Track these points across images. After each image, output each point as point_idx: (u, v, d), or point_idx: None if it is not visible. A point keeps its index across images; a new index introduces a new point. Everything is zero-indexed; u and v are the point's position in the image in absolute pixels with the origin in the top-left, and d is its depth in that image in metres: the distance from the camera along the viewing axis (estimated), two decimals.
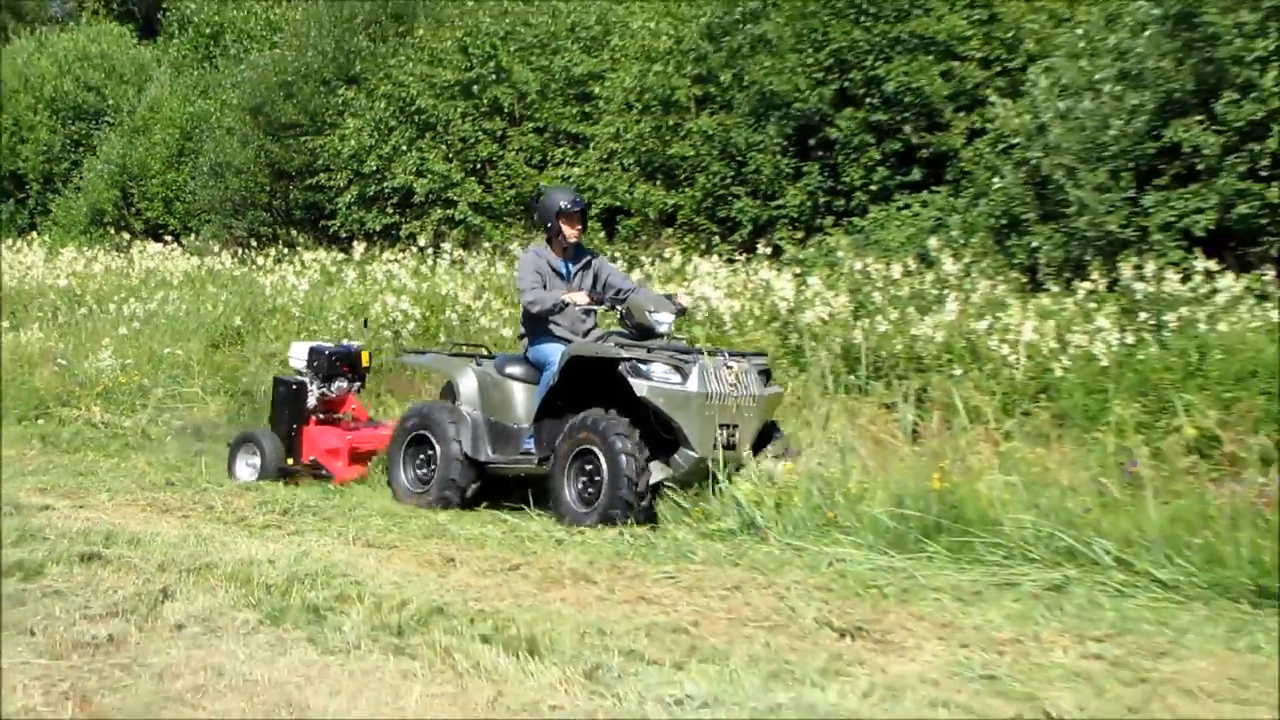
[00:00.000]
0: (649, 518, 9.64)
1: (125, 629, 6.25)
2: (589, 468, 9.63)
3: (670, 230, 17.95)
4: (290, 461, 11.53)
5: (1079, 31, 14.75)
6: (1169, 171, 13.25)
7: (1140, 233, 13.06)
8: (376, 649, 6.04)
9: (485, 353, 11.57)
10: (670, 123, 18.10)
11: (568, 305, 10.55)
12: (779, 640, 6.28)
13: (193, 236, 25.20)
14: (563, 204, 10.72)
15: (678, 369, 9.65)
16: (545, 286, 10.74)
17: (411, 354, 12.49)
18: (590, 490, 9.60)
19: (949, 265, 13.47)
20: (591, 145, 19.56)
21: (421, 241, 19.78)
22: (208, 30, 30.17)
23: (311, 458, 11.48)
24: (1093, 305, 12.20)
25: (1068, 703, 5.27)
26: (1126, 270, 12.29)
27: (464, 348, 12.05)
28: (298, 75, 23.19)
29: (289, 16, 28.05)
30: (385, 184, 21.16)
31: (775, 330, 13.27)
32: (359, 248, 20.30)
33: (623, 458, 9.36)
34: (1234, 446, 9.47)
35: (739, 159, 17.36)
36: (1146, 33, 13.53)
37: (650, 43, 18.98)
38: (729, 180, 17.50)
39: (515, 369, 10.84)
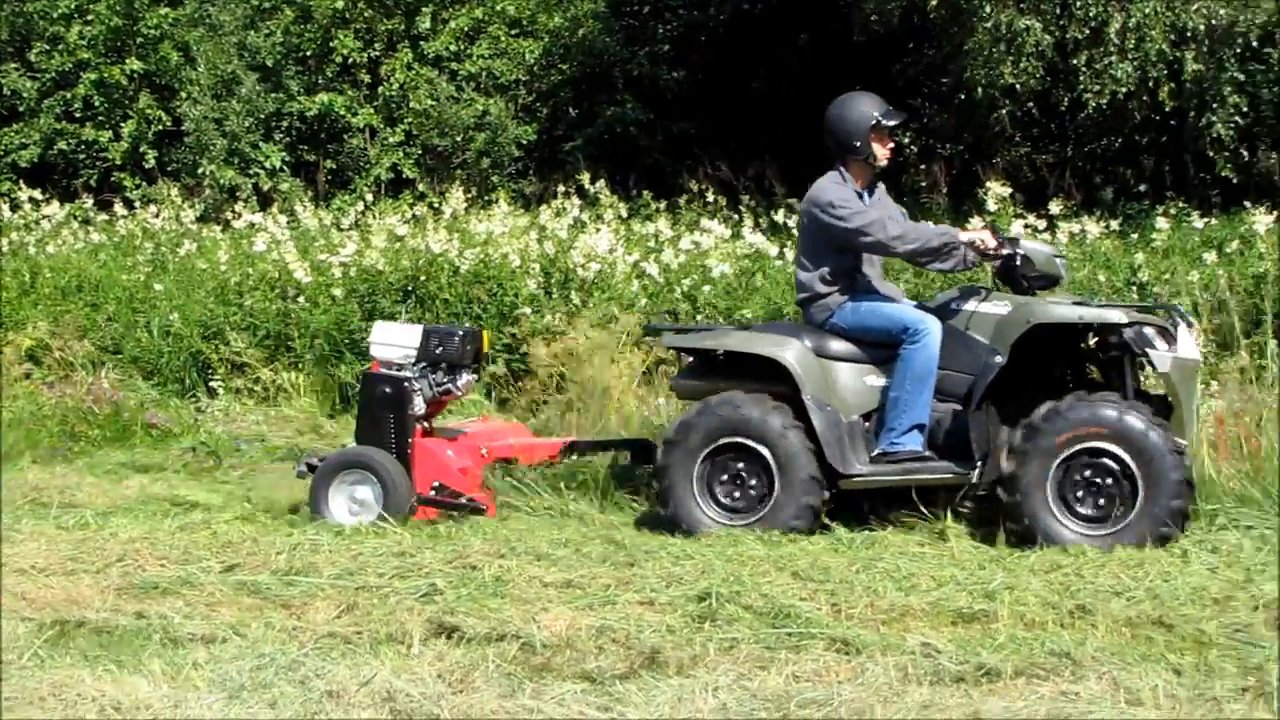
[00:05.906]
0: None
1: None
2: (1087, 472, 5.85)
3: None
4: None
5: None
6: None
7: None
8: None
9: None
10: None
11: (966, 246, 6.20)
12: None
13: None
14: (878, 115, 6.30)
15: (1163, 331, 6.02)
16: None
17: (671, 331, 7.23)
18: (1104, 501, 5.84)
19: None
20: None
21: None
22: None
23: (437, 483, 6.66)
24: None
25: None
26: None
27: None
28: None
29: None
30: None
31: None
32: None
33: (1169, 458, 5.73)
34: (63, 353, 9.37)
35: None
36: None
37: None
38: None
39: (832, 343, 6.35)
